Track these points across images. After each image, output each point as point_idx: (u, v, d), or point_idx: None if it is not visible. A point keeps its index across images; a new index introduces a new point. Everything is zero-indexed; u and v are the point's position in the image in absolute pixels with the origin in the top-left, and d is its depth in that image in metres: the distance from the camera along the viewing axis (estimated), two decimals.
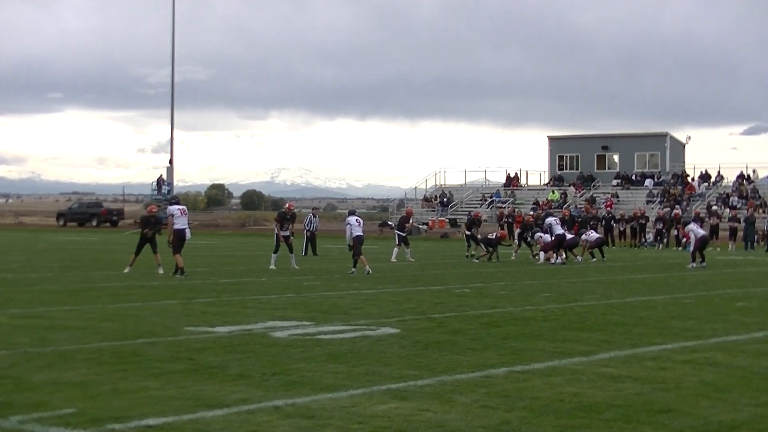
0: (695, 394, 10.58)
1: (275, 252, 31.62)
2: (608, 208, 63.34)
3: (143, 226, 29.29)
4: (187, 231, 28.39)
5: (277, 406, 9.58)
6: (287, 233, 31.73)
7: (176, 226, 28.03)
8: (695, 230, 35.96)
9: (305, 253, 40.13)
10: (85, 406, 9.42)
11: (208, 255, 40.89)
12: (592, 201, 70.47)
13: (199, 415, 9.15)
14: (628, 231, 58.74)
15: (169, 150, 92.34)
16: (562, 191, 77.81)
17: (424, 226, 41.67)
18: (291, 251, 31.85)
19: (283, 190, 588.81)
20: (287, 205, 33.90)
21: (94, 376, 11.10)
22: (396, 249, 37.75)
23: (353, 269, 29.63)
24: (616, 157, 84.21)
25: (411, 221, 40.69)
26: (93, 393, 10.13)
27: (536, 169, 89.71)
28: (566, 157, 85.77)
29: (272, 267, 31.05)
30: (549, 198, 75.37)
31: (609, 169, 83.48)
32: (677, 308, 20.10)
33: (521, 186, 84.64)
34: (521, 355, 13.25)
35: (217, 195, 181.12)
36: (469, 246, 39.59)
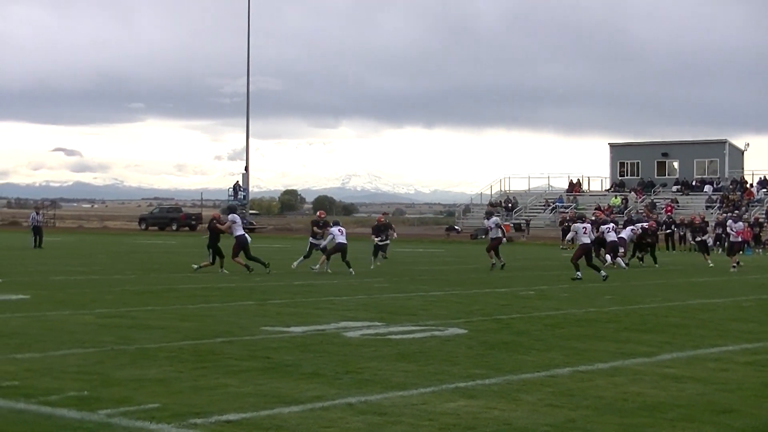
0: (756, 395, 10.45)
1: (306, 257, 32.32)
2: (668, 213, 62.74)
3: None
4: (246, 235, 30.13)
5: (350, 403, 9.60)
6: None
7: (237, 233, 29.49)
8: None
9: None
10: (168, 402, 9.50)
11: (282, 258, 41.04)
12: (652, 206, 69.87)
13: (276, 411, 9.19)
14: (688, 235, 58.06)
15: (245, 157, 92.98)
16: (623, 197, 77.25)
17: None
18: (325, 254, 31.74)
19: (353, 196, 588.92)
20: (318, 213, 35.47)
21: (176, 373, 11.20)
22: (373, 258, 35.07)
23: (316, 267, 30.82)
24: (675, 164, 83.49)
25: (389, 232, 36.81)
26: (175, 389, 10.22)
27: (598, 176, 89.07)
28: (627, 163, 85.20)
29: (293, 266, 31.84)
30: (610, 203, 74.86)
31: (669, 175, 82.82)
32: (737, 311, 19.87)
33: (583, 192, 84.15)
34: (585, 355, 13.17)
35: (290, 200, 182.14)
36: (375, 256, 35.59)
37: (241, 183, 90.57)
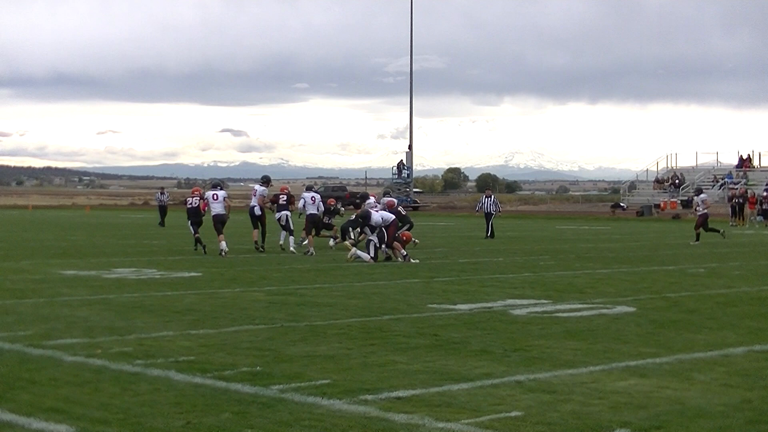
0: None
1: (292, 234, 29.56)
2: None
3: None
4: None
5: (519, 380, 9.56)
6: (282, 213, 29.77)
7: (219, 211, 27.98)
8: None
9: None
10: (338, 378, 9.62)
11: (446, 235, 41.19)
12: None
13: (445, 388, 9.22)
14: None
15: (408, 136, 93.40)
16: None
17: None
18: (290, 233, 29.65)
19: (516, 173, 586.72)
20: (281, 188, 31.90)
21: (345, 350, 11.34)
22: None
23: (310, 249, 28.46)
24: None
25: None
26: (345, 366, 10.34)
27: None
28: None
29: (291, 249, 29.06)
30: None
31: None
32: None
33: (754, 167, 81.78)
34: (759, 334, 12.84)
35: (453, 178, 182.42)
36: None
37: (404, 161, 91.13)
